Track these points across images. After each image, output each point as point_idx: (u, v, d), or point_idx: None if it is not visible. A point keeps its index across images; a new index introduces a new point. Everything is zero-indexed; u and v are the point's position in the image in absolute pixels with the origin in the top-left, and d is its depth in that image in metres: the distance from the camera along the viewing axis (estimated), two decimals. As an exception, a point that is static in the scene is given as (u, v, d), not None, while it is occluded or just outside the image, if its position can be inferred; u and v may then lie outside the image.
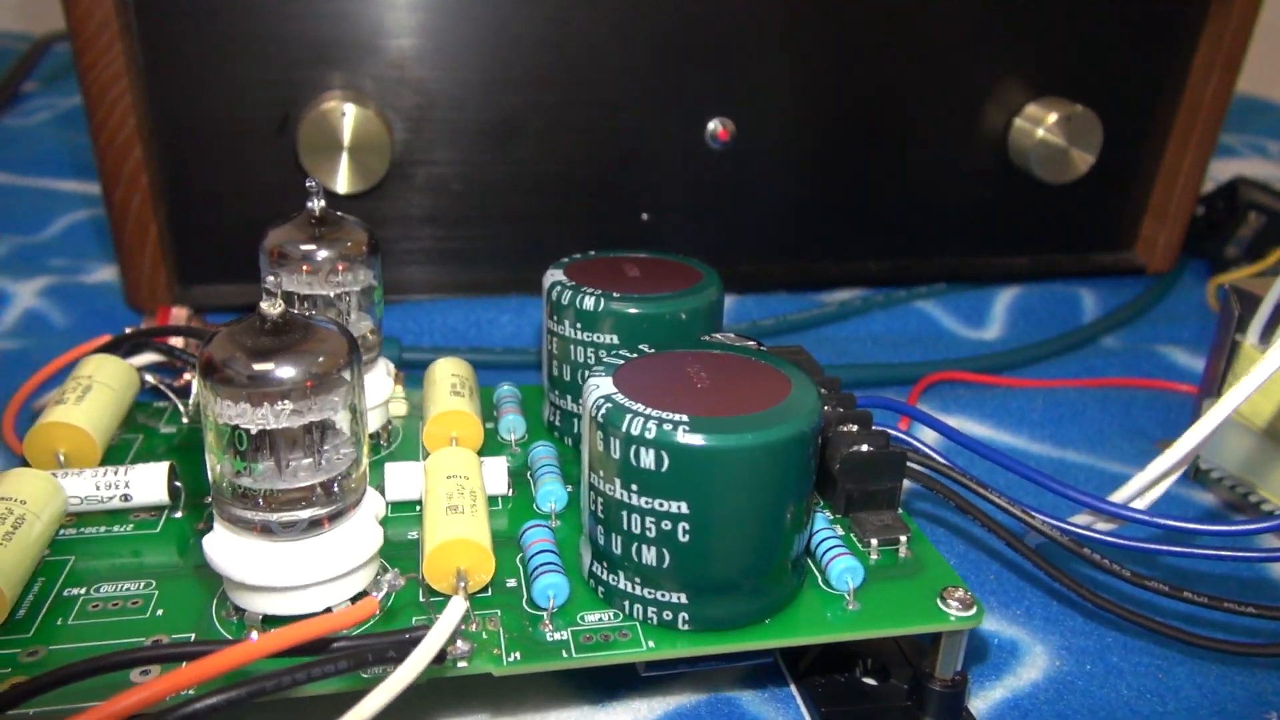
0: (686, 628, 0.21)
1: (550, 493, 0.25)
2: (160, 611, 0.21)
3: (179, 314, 0.36)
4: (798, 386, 0.22)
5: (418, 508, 0.24)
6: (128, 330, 0.31)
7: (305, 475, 0.20)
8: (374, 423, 0.27)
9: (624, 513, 0.20)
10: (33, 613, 0.21)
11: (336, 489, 0.20)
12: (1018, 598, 0.28)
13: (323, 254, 0.25)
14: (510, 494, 0.25)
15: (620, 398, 0.21)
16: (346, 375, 0.19)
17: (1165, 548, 0.24)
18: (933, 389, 0.40)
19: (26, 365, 0.34)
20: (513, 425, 0.28)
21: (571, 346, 0.27)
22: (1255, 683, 0.25)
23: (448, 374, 0.29)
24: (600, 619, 0.21)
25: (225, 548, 0.20)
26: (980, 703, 0.24)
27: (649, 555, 0.20)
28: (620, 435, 0.20)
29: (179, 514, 0.24)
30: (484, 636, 0.20)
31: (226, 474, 0.19)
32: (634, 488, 0.20)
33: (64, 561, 0.22)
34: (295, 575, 0.19)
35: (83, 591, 0.21)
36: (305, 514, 0.20)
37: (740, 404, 0.21)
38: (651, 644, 0.21)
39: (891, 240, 0.46)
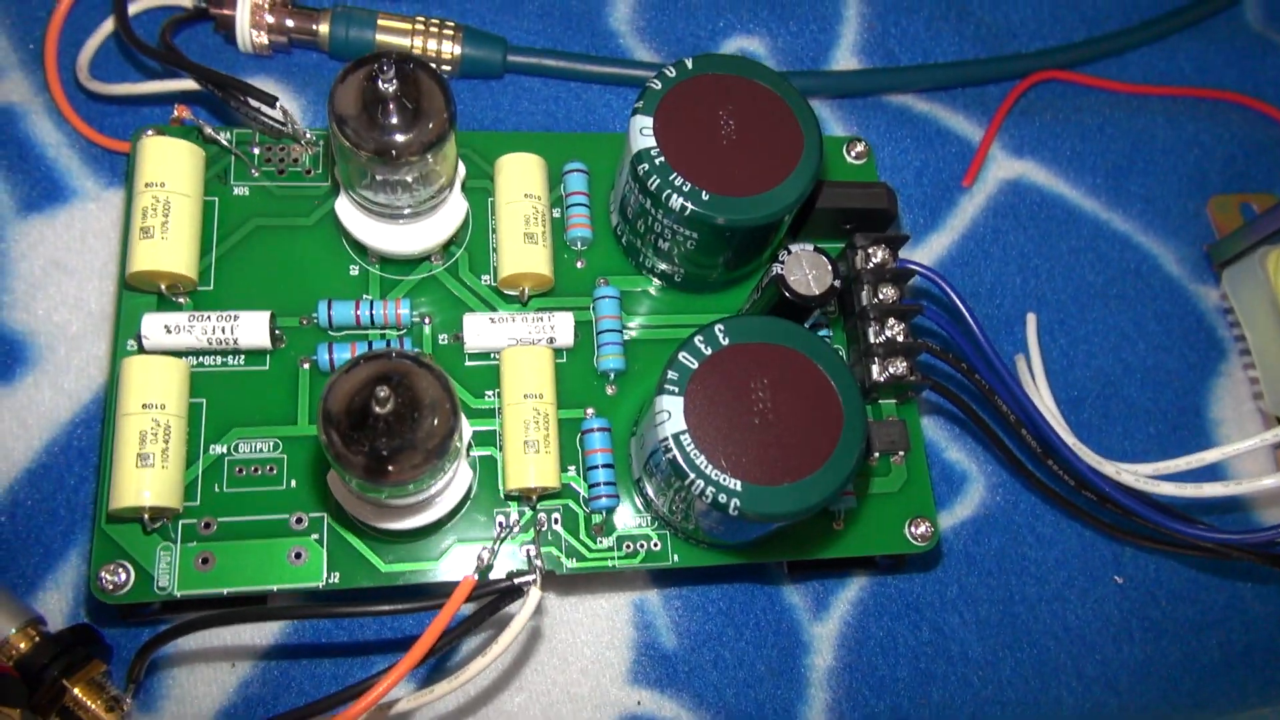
0: (705, 548, 0.27)
1: (610, 364, 0.28)
2: (293, 483, 0.26)
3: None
4: (848, 416, 0.24)
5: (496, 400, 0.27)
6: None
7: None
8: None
9: (670, 511, 0.25)
10: (192, 472, 0.26)
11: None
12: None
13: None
14: (575, 344, 0.28)
15: (686, 444, 0.23)
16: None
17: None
18: (1034, 91, 0.37)
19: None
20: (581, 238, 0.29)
21: (652, 221, 0.26)
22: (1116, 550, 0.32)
23: (519, 200, 0.28)
24: (640, 525, 0.27)
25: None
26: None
27: (685, 524, 0.25)
28: (681, 485, 0.23)
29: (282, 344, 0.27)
30: (548, 538, 0.26)
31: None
32: (684, 511, 0.24)
33: (199, 405, 0.26)
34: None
35: (224, 451, 0.26)
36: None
37: (794, 454, 0.23)
38: (676, 558, 0.27)
39: None
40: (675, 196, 0.25)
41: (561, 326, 0.27)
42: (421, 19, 0.33)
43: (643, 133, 0.26)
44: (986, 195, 0.36)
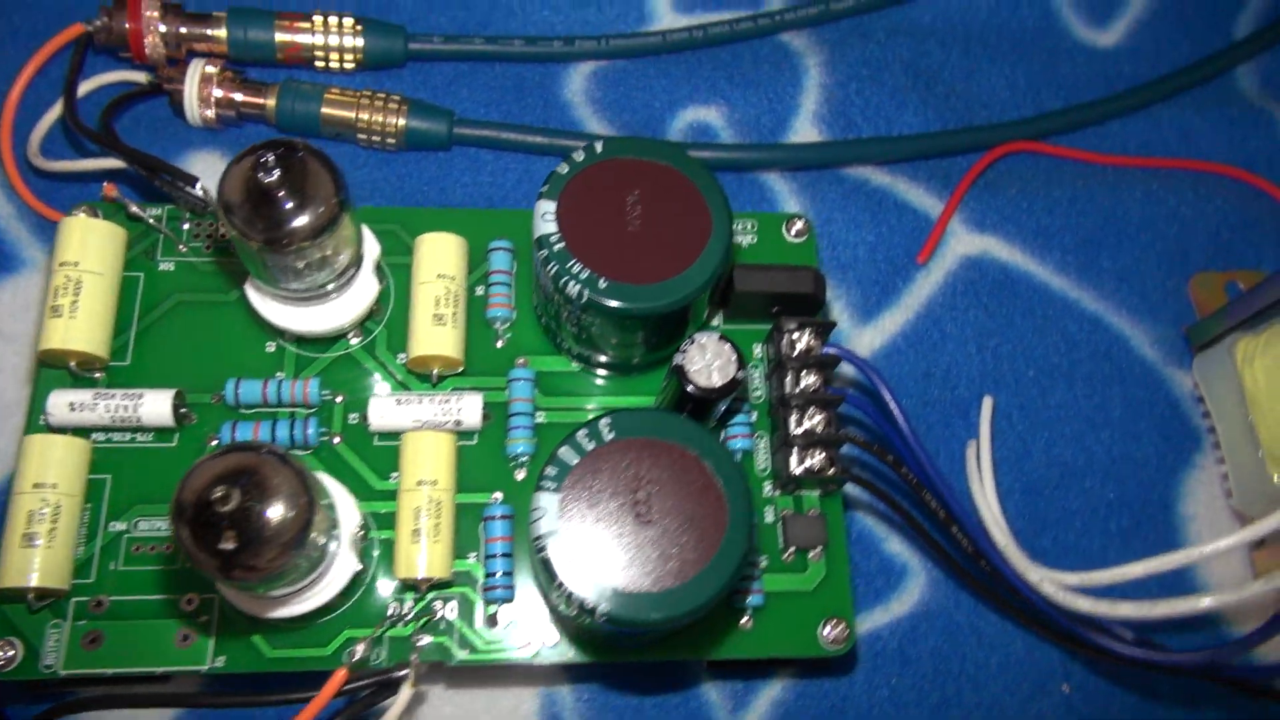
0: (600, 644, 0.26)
1: (519, 448, 0.27)
2: (188, 562, 0.26)
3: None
4: (733, 522, 0.23)
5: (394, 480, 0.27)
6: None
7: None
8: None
9: (555, 608, 0.24)
10: (89, 550, 0.26)
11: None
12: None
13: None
14: (484, 425, 0.28)
15: (558, 548, 0.22)
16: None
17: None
18: (1003, 164, 0.36)
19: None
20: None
21: (558, 306, 0.26)
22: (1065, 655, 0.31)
23: (432, 280, 0.27)
24: (537, 617, 0.26)
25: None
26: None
27: (575, 621, 0.25)
28: (551, 585, 0.22)
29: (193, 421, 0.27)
30: (440, 627, 0.26)
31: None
32: (560, 607, 0.23)
33: (104, 482, 0.26)
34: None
35: (124, 528, 0.26)
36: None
37: (671, 559, 0.22)
38: (572, 654, 0.26)
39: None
40: (572, 283, 0.25)
41: (469, 409, 0.27)
42: (368, 92, 0.33)
43: (545, 218, 0.25)
44: (945, 272, 0.35)
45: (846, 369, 0.32)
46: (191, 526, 0.20)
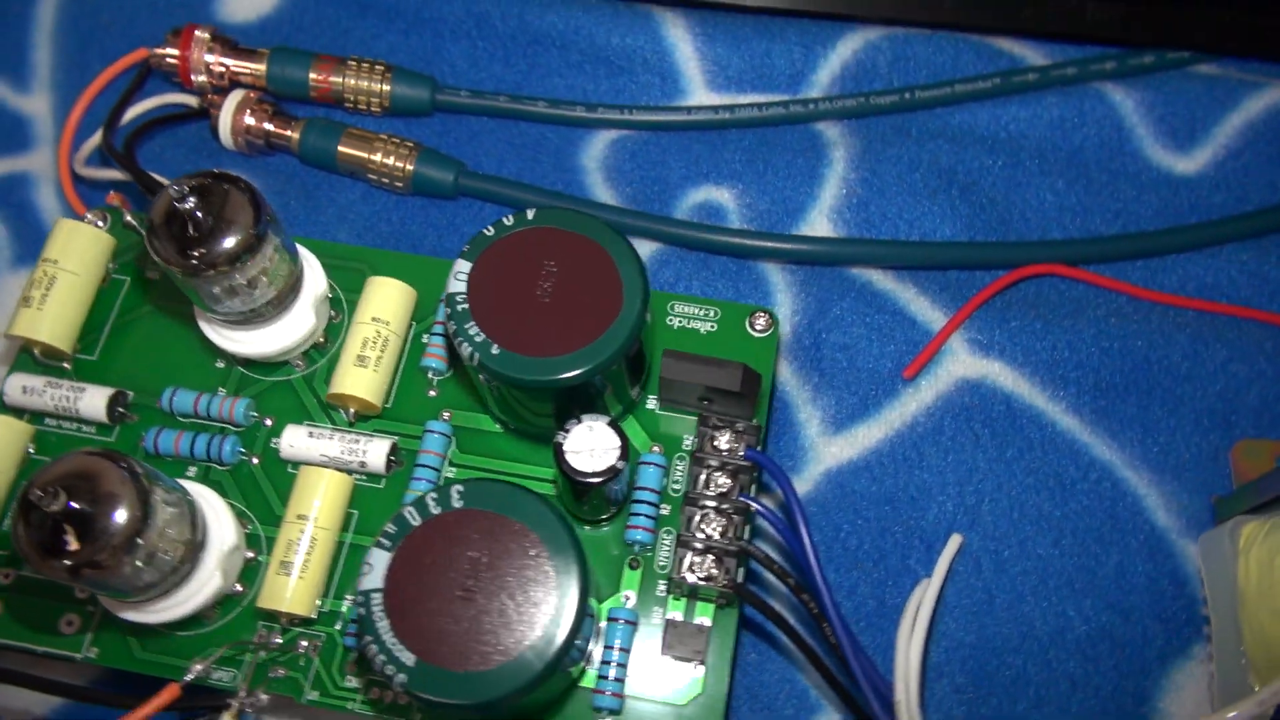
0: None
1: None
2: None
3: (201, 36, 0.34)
4: (557, 617, 0.22)
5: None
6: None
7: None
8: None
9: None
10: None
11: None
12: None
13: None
14: (391, 471, 0.28)
15: (375, 603, 0.22)
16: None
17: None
18: (1028, 286, 0.33)
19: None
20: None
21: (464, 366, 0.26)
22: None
23: (367, 322, 0.28)
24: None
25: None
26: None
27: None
28: (361, 643, 0.22)
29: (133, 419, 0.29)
30: (300, 663, 0.26)
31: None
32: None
33: (40, 462, 0.28)
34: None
35: (48, 510, 0.28)
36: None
37: (483, 643, 0.22)
38: (419, 718, 0.26)
39: None
40: (466, 345, 0.25)
41: (374, 452, 0.27)
42: (384, 136, 0.34)
43: (457, 277, 0.25)
44: (937, 393, 0.32)
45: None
46: (24, 520, 0.21)
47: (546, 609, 0.22)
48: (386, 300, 0.29)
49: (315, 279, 0.28)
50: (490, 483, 0.23)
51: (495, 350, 0.24)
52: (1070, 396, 0.32)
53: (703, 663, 0.26)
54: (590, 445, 0.24)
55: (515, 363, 0.24)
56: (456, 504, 0.23)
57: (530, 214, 0.26)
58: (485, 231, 0.26)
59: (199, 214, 0.24)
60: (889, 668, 0.26)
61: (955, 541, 0.29)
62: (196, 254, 0.24)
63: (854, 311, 0.33)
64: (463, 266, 0.26)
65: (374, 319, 0.28)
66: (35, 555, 0.21)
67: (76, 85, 0.37)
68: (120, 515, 0.21)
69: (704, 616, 0.26)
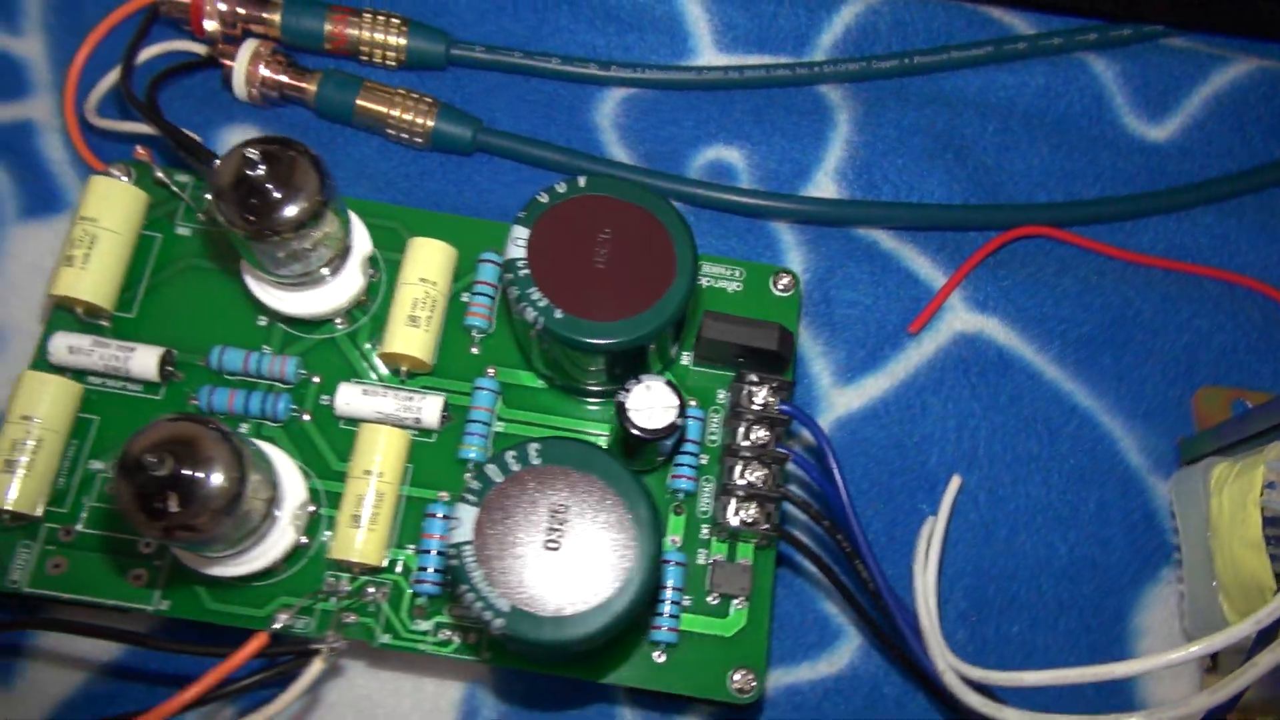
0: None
1: (469, 454, 0.28)
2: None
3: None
4: (639, 561, 0.24)
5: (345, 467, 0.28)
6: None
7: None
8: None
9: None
10: (68, 483, 0.28)
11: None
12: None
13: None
14: (443, 425, 0.29)
15: (468, 555, 0.23)
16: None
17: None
18: (1017, 245, 0.36)
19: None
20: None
21: (519, 327, 0.27)
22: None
23: (414, 283, 0.29)
24: (462, 616, 0.27)
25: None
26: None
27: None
28: (456, 592, 0.24)
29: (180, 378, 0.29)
30: (369, 609, 0.27)
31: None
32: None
33: (91, 422, 0.29)
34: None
35: (102, 468, 0.28)
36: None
37: (569, 586, 0.23)
38: (488, 655, 0.27)
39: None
40: (530, 309, 0.26)
41: (429, 409, 0.28)
42: (402, 90, 0.35)
43: (516, 242, 0.26)
44: (937, 346, 0.34)
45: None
46: (128, 483, 0.22)
47: (627, 555, 0.24)
48: (431, 261, 0.29)
49: (361, 240, 0.29)
50: (565, 440, 0.25)
51: (559, 314, 0.26)
52: (1055, 349, 0.35)
53: (747, 599, 0.28)
54: (649, 403, 0.26)
55: (578, 326, 0.26)
56: (535, 461, 0.25)
57: (582, 181, 0.27)
58: (539, 198, 0.27)
59: (269, 181, 0.24)
60: (908, 597, 0.29)
61: (956, 482, 0.32)
62: (266, 219, 0.25)
63: (862, 270, 0.35)
64: (520, 232, 0.27)
65: (421, 279, 0.29)
66: (141, 516, 0.22)
67: (71, 28, 0.36)
68: (220, 478, 0.22)
69: (744, 557, 0.29)
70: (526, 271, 0.26)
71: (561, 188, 0.27)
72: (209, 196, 0.25)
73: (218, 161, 0.25)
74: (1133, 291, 0.35)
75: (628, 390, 0.26)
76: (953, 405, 0.34)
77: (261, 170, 0.24)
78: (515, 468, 0.24)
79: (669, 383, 0.26)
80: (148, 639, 0.27)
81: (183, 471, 0.22)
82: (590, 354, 0.26)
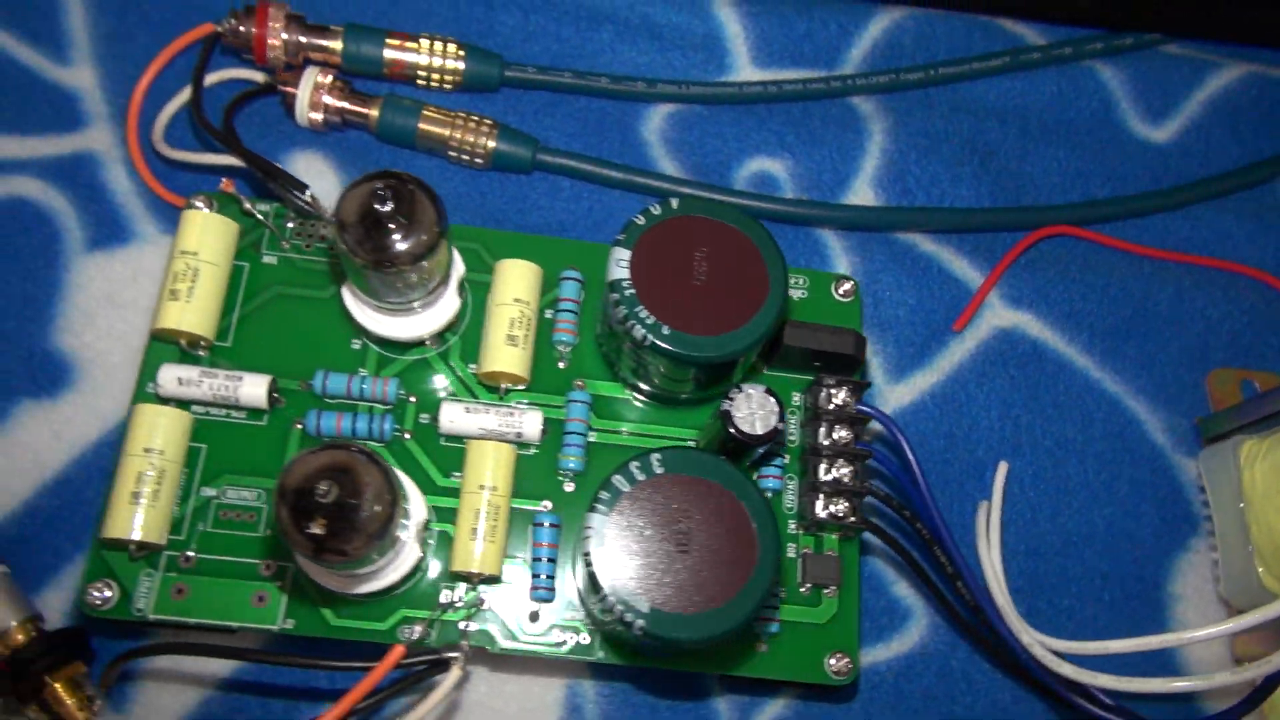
0: (629, 651, 0.29)
1: (570, 464, 0.30)
2: (268, 532, 0.29)
3: (276, 13, 0.34)
4: (761, 560, 0.25)
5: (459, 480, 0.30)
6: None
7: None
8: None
9: (590, 615, 0.27)
10: (182, 510, 0.29)
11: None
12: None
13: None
14: (542, 439, 0.30)
15: (604, 565, 0.25)
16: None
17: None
18: (1045, 244, 0.38)
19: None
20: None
21: (621, 342, 0.29)
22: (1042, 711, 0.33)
23: (509, 303, 0.30)
24: (573, 619, 0.29)
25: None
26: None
27: (609, 629, 0.27)
28: (595, 598, 0.25)
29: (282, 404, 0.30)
30: (486, 618, 0.29)
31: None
32: (602, 618, 0.26)
33: (199, 451, 0.29)
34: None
35: (214, 494, 0.29)
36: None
37: (704, 586, 0.25)
38: (601, 655, 0.29)
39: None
40: (638, 327, 0.27)
41: (530, 423, 0.30)
42: (462, 114, 0.36)
43: (619, 264, 0.28)
44: (978, 341, 0.37)
45: (876, 424, 0.35)
46: (292, 510, 0.23)
47: (752, 554, 0.26)
48: (522, 280, 0.31)
49: (456, 264, 0.30)
50: (684, 450, 0.27)
51: (666, 331, 0.27)
52: (1084, 340, 0.37)
53: (837, 587, 0.30)
54: (751, 410, 0.28)
55: (685, 341, 0.27)
56: (658, 470, 0.26)
57: (674, 203, 0.29)
58: (636, 220, 0.29)
59: (396, 216, 0.26)
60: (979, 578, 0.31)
61: (1004, 468, 0.34)
62: (388, 251, 0.26)
63: (904, 272, 0.37)
64: (622, 254, 0.28)
65: (515, 299, 0.30)
66: (302, 541, 0.23)
67: (122, 58, 0.36)
68: (378, 506, 0.23)
69: (831, 549, 0.31)
70: (632, 291, 0.28)
71: (656, 210, 0.29)
72: (336, 229, 0.26)
73: (343, 194, 0.26)
74: (1151, 284, 0.38)
75: (731, 399, 0.28)
76: (995, 397, 0.36)
77: (389, 206, 0.25)
78: (640, 477, 0.26)
79: (768, 390, 0.28)
80: (275, 656, 0.28)
81: (346, 499, 0.23)
82: (691, 366, 0.28)
